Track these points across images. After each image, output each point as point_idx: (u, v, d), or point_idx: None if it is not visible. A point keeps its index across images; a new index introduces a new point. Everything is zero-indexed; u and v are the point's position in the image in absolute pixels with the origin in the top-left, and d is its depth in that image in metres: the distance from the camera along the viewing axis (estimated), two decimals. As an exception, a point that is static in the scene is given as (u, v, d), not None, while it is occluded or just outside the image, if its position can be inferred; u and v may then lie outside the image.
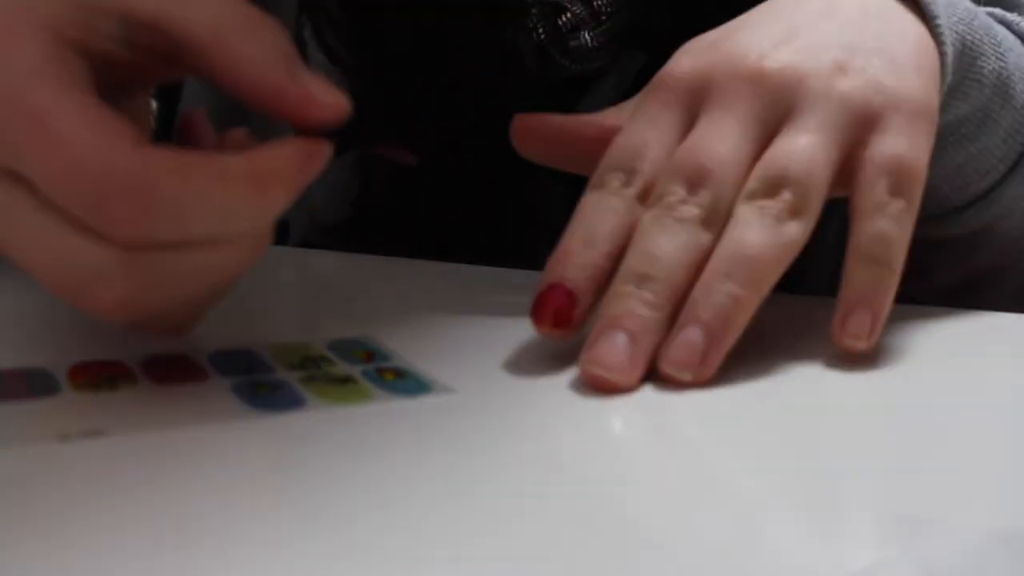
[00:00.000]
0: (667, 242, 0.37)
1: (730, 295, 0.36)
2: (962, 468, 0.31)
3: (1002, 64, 0.44)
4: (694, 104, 0.39)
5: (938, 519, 0.28)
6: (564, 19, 0.55)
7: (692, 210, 0.37)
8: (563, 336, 0.37)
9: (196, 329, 0.36)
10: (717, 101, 0.39)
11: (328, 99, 0.33)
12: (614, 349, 0.35)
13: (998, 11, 0.49)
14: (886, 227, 0.37)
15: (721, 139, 0.38)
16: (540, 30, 0.55)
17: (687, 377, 0.35)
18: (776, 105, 0.38)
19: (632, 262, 0.37)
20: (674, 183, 0.38)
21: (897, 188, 0.38)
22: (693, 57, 0.41)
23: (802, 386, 0.37)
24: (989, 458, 0.32)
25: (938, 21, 0.42)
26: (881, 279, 0.37)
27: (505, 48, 0.55)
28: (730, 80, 0.39)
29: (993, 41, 0.44)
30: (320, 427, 0.31)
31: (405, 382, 0.35)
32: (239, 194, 0.32)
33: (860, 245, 0.38)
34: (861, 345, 0.37)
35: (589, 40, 0.55)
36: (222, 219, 0.32)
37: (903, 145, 0.38)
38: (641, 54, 0.57)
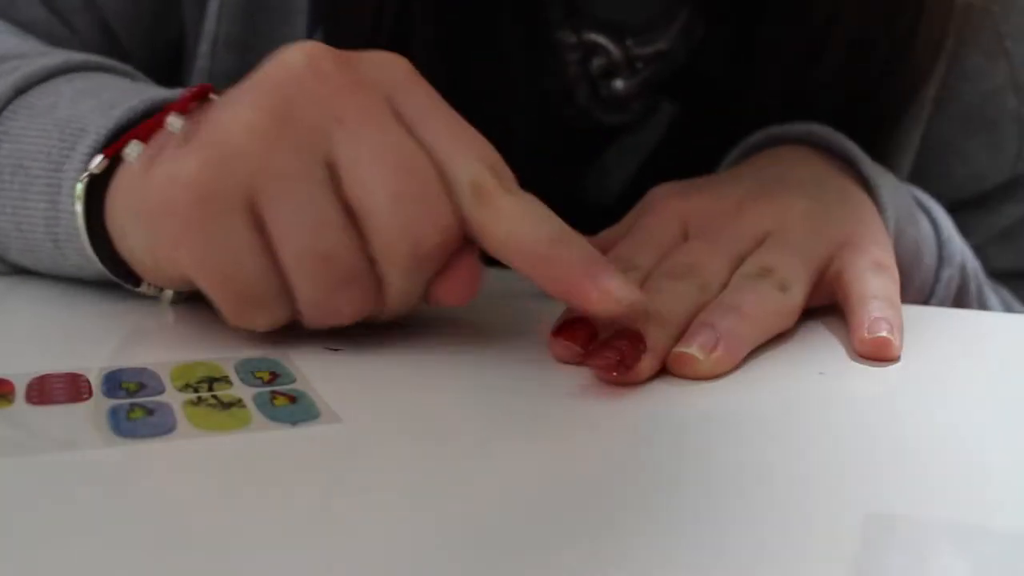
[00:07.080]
0: (669, 294, 0.39)
1: (734, 311, 0.37)
2: (963, 467, 0.31)
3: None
4: (681, 232, 0.43)
5: (938, 517, 0.28)
6: (597, 63, 0.52)
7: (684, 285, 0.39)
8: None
9: (93, 348, 0.34)
10: (701, 232, 0.42)
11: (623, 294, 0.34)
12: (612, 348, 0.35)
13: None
14: (879, 285, 0.40)
15: (701, 251, 0.41)
16: (572, 71, 0.52)
17: (699, 354, 0.35)
18: (751, 237, 0.41)
19: None
20: (662, 279, 0.40)
21: (880, 272, 0.41)
22: (670, 191, 0.44)
23: (806, 385, 0.37)
24: (989, 457, 0.32)
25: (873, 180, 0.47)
26: (886, 289, 0.40)
27: (534, 86, 0.52)
28: (712, 216, 0.42)
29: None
30: (172, 456, 0.29)
31: (293, 408, 0.32)
32: None
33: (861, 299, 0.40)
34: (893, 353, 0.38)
35: (621, 88, 0.52)
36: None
37: (874, 254, 0.42)
38: (672, 107, 0.54)
